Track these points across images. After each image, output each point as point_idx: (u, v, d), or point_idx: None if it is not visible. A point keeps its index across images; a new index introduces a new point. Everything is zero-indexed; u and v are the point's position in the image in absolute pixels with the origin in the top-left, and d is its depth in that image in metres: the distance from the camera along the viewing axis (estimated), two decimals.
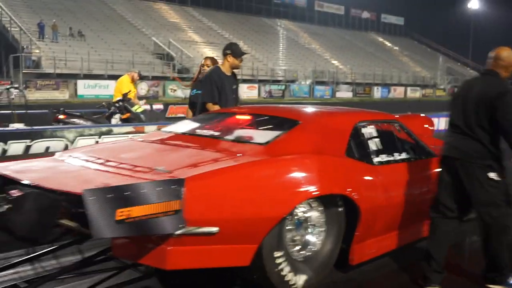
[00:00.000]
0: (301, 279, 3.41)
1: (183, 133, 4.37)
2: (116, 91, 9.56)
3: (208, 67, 6.26)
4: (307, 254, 3.56)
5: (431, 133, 5.64)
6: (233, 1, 57.40)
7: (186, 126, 4.62)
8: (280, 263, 3.28)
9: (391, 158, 4.22)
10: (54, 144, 6.42)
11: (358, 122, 4.22)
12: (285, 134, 3.84)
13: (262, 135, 3.93)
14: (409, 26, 75.88)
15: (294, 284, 3.36)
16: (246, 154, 3.51)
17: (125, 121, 8.81)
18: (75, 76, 30.59)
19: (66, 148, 6.48)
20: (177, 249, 2.91)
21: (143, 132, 7.14)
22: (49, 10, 37.76)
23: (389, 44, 68.07)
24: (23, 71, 28.95)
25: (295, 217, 3.48)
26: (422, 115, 7.47)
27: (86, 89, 29.85)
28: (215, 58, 6.58)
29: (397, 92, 49.78)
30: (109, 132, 7.21)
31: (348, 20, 69.31)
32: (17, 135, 6.23)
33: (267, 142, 3.72)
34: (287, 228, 3.39)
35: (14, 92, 23.03)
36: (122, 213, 2.60)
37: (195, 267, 3.08)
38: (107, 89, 30.40)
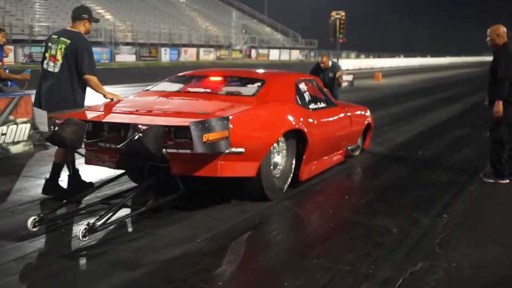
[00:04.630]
0: (279, 185, 5.51)
1: (178, 91, 6.01)
2: None
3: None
4: (279, 171, 5.54)
5: None
6: None
7: (171, 86, 6.26)
8: (269, 174, 5.28)
9: (318, 106, 6.41)
10: None
11: (297, 80, 6.38)
12: (262, 89, 5.77)
13: (246, 90, 5.87)
14: None
15: (276, 186, 5.43)
16: (247, 102, 5.42)
17: None
18: None
19: None
20: (225, 163, 4.75)
21: None
22: None
23: None
24: None
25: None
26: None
27: None
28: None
29: (189, 55, 43.38)
30: None
31: None
32: None
33: (254, 94, 5.67)
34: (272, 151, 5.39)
35: None
36: (206, 137, 4.28)
37: (232, 175, 4.90)
38: None
